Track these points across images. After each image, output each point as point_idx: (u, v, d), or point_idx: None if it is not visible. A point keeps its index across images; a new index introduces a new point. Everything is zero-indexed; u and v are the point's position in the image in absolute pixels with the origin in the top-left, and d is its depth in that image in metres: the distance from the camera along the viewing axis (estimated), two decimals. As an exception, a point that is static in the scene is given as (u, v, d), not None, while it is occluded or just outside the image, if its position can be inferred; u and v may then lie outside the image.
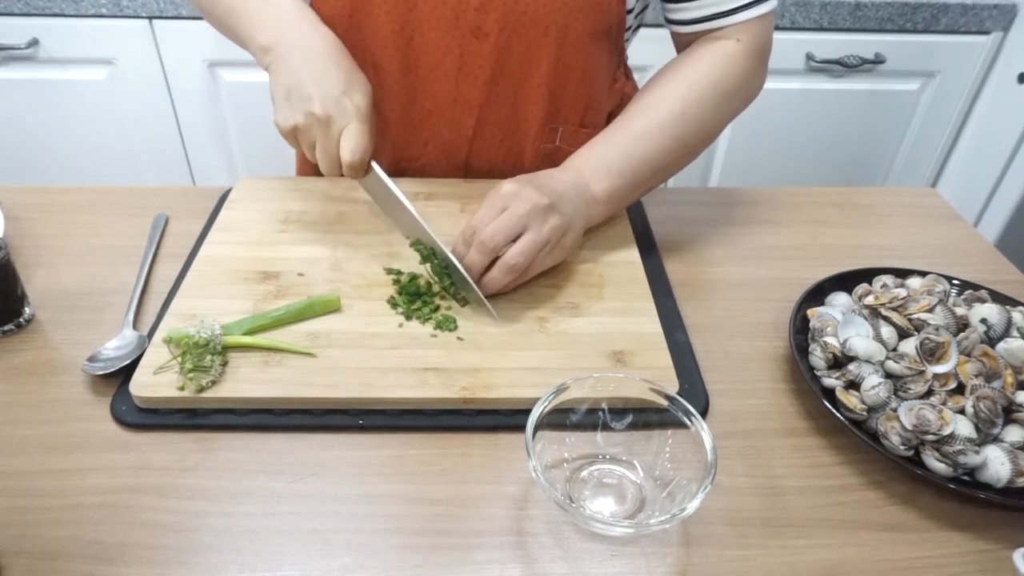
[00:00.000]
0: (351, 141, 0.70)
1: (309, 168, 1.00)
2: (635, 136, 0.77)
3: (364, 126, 0.71)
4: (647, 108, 0.79)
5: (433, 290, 0.71)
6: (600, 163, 0.76)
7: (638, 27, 0.91)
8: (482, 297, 0.68)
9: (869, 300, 0.66)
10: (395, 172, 0.89)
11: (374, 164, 0.72)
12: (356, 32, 0.81)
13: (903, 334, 0.64)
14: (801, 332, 0.68)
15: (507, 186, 0.70)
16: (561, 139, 0.90)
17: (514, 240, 0.68)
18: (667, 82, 0.80)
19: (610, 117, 0.94)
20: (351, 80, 0.72)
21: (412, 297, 0.69)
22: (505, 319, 0.69)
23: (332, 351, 0.64)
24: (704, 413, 0.63)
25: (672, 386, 0.62)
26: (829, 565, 0.52)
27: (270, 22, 0.75)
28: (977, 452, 0.55)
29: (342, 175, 0.72)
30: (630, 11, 0.85)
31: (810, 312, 0.69)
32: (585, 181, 0.76)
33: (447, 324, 0.67)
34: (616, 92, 0.95)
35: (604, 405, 0.58)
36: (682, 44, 0.86)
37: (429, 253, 0.71)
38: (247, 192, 0.86)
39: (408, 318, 0.68)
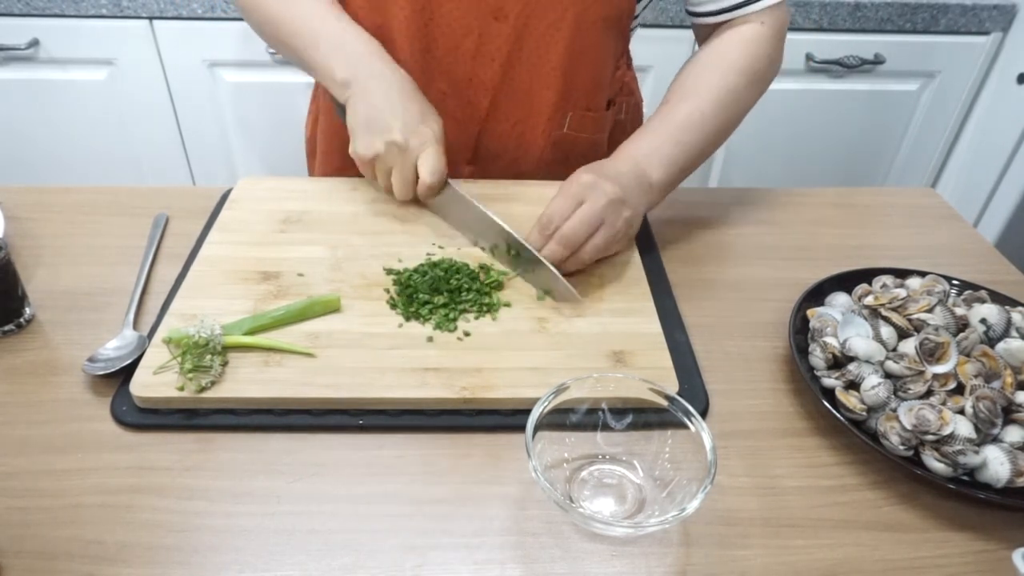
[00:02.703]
0: (429, 163, 0.75)
1: (320, 171, 1.01)
2: (682, 125, 0.80)
3: (440, 148, 0.76)
4: (687, 95, 0.82)
5: (437, 288, 0.71)
6: (654, 152, 0.79)
7: (639, 17, 0.92)
8: (568, 285, 0.69)
9: (869, 300, 0.66)
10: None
11: (451, 181, 0.78)
12: (378, 13, 0.82)
13: (903, 334, 0.64)
14: (801, 332, 0.68)
15: (585, 176, 0.72)
16: (569, 125, 0.91)
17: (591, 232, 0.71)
18: (703, 69, 0.83)
19: (609, 104, 0.96)
20: (425, 111, 0.77)
21: (410, 298, 0.69)
22: (505, 319, 0.69)
23: (332, 351, 0.64)
24: (704, 413, 0.63)
25: (672, 386, 0.62)
26: (829, 565, 0.52)
27: (347, 58, 0.78)
28: (977, 452, 0.55)
29: (413, 198, 0.79)
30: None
31: (810, 312, 0.69)
32: (643, 169, 0.77)
33: (446, 324, 0.67)
34: (618, 80, 0.96)
35: (604, 405, 0.58)
36: (705, 34, 0.88)
37: (514, 253, 0.74)
38: (247, 192, 0.86)
39: (407, 318, 0.68)
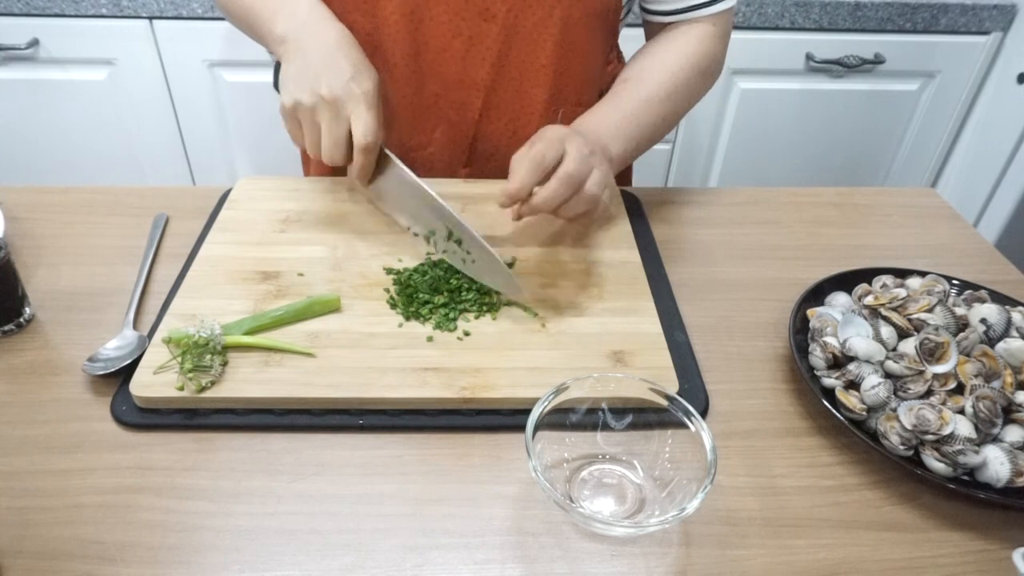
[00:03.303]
0: (361, 123, 0.71)
1: (315, 171, 1.00)
2: (639, 104, 0.82)
3: (372, 111, 0.72)
4: (643, 80, 0.84)
5: (437, 288, 0.71)
6: (613, 127, 0.80)
7: (628, 11, 0.93)
8: (510, 274, 0.68)
9: (869, 300, 0.66)
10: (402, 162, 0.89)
11: (387, 151, 0.74)
12: (369, 18, 0.82)
13: (903, 334, 0.64)
14: (801, 332, 0.68)
15: (557, 131, 0.72)
16: (561, 119, 0.91)
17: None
18: (659, 59, 0.86)
19: (600, 96, 0.95)
20: (359, 68, 0.73)
21: (410, 298, 0.69)
22: (505, 319, 0.69)
23: (332, 351, 0.64)
24: (704, 413, 0.63)
25: (672, 386, 0.62)
26: (829, 565, 0.52)
27: (286, 15, 0.77)
28: (977, 452, 0.55)
29: (346, 164, 0.73)
30: None
31: (810, 312, 0.69)
32: (604, 142, 0.78)
33: (446, 324, 0.67)
34: (609, 74, 0.97)
35: (604, 405, 0.58)
36: (656, 31, 0.90)
37: (456, 239, 0.71)
38: (247, 192, 0.86)
39: (407, 318, 0.68)
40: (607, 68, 0.96)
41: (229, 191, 0.87)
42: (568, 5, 0.82)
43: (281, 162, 1.65)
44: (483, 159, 0.92)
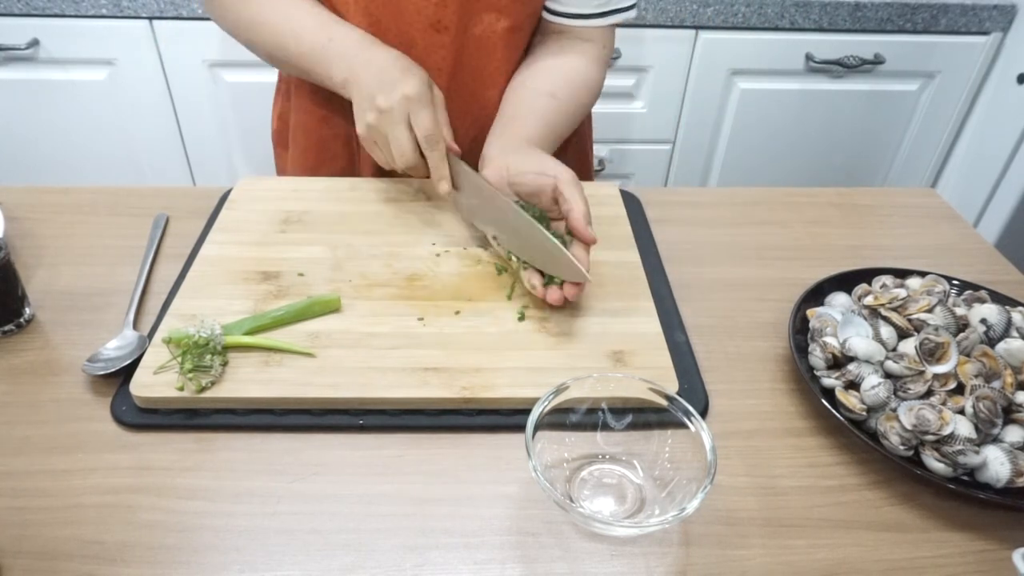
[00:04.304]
0: (418, 122, 0.74)
1: (302, 170, 1.01)
2: (552, 116, 0.85)
3: (427, 108, 0.74)
4: (548, 94, 0.86)
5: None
6: (544, 142, 0.83)
7: None
8: (576, 262, 0.67)
9: (869, 300, 0.66)
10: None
11: (462, 163, 0.77)
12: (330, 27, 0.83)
13: (903, 334, 0.64)
14: (801, 332, 0.68)
15: (570, 178, 0.72)
16: None
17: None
18: (554, 74, 0.88)
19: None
20: (407, 73, 0.75)
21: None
22: (505, 319, 0.69)
23: (332, 351, 0.64)
24: (704, 413, 0.63)
25: (672, 386, 0.62)
26: (829, 565, 0.52)
27: (338, 57, 0.79)
28: (977, 452, 0.55)
29: (419, 167, 0.77)
30: None
31: (810, 312, 0.69)
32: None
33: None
34: None
35: (604, 405, 0.58)
36: (547, 33, 0.91)
37: (523, 239, 0.71)
38: (247, 192, 0.86)
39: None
40: None
41: (229, 191, 0.87)
42: (512, 13, 0.85)
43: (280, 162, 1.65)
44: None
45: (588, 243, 0.69)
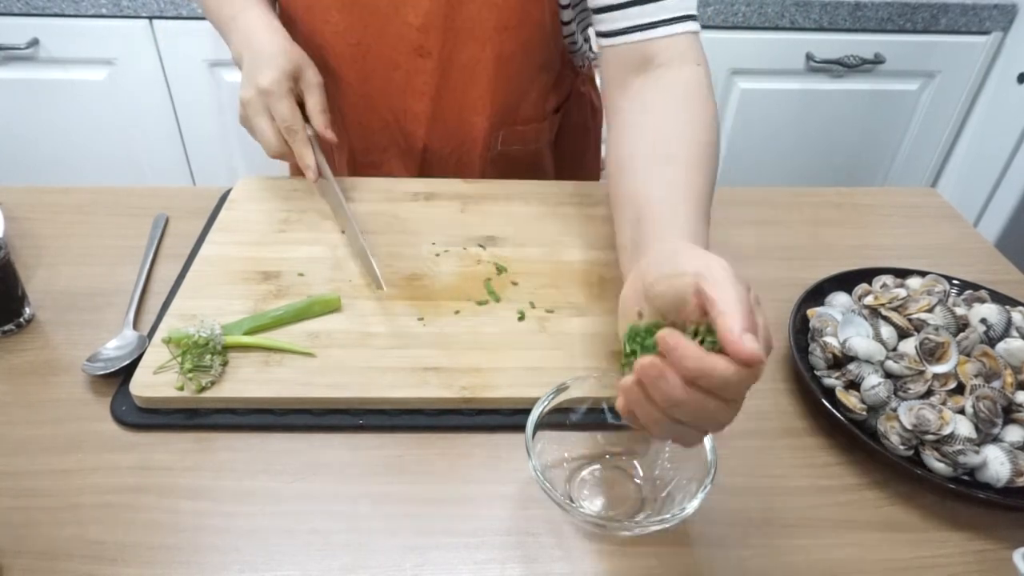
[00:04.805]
0: (276, 112, 0.77)
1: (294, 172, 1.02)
2: (680, 183, 0.62)
3: (283, 99, 0.77)
4: (665, 158, 0.64)
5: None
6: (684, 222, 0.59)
7: (587, 26, 0.92)
8: (377, 271, 0.72)
9: (869, 300, 0.66)
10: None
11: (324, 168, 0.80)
12: (316, 47, 0.85)
13: (903, 334, 0.64)
14: (801, 332, 0.68)
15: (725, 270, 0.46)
16: (502, 141, 0.93)
17: None
18: (659, 127, 0.67)
19: (557, 110, 0.97)
20: (267, 61, 0.77)
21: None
22: (505, 319, 0.69)
23: (332, 351, 0.64)
24: (704, 413, 0.63)
25: (672, 386, 0.62)
26: (829, 565, 0.52)
27: (238, 36, 0.81)
28: (977, 452, 0.55)
29: (288, 155, 0.80)
30: (567, 23, 0.86)
31: (810, 312, 0.69)
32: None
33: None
34: (564, 88, 0.97)
35: (604, 405, 0.58)
36: (615, 65, 0.72)
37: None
38: (247, 192, 0.86)
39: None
40: (562, 84, 0.95)
41: (229, 191, 0.87)
42: (499, 42, 0.82)
43: (281, 162, 1.65)
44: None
45: (744, 361, 0.41)
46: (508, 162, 0.95)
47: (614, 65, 0.72)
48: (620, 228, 0.63)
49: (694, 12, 0.71)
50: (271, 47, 0.78)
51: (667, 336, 0.43)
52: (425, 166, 0.93)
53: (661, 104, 0.68)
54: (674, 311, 0.48)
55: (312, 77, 0.79)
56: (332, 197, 0.81)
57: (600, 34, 0.74)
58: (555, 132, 0.99)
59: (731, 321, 0.42)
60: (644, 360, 0.43)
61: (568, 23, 0.87)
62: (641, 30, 0.70)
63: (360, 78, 0.87)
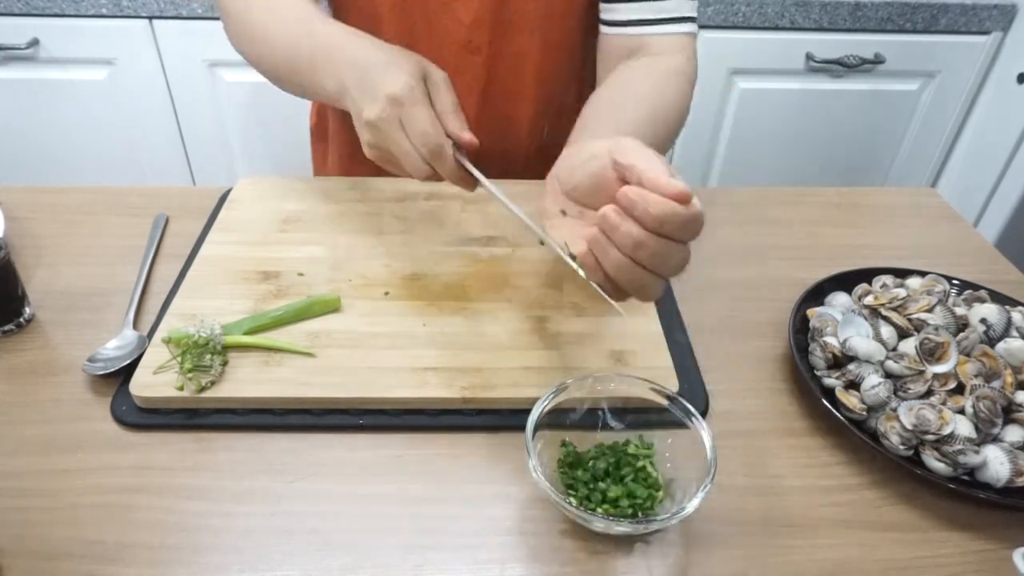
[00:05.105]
0: (412, 128, 0.60)
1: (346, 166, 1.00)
2: (640, 115, 0.70)
3: (418, 105, 0.60)
4: (633, 101, 0.72)
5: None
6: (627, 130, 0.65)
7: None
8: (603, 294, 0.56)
9: (869, 300, 0.66)
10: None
11: (477, 175, 0.63)
12: None
13: (903, 334, 0.64)
14: (801, 332, 0.68)
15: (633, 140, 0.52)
16: (547, 133, 0.93)
17: None
18: (635, 85, 0.74)
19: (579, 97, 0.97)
20: (388, 64, 0.62)
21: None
22: (505, 319, 0.69)
23: (332, 351, 0.64)
24: (704, 413, 0.63)
25: (672, 386, 0.62)
26: (829, 565, 0.52)
27: (323, 61, 0.67)
28: (977, 452, 0.55)
29: (443, 166, 0.62)
30: None
31: (810, 312, 0.69)
32: None
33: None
34: (592, 75, 0.97)
35: (604, 405, 0.58)
36: (611, 51, 0.81)
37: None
38: (247, 192, 0.86)
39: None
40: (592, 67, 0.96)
41: (229, 191, 0.87)
42: (546, 31, 0.83)
43: (281, 162, 1.65)
44: None
45: (680, 197, 0.46)
46: (551, 156, 0.93)
47: (609, 51, 0.82)
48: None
49: (694, 15, 0.79)
50: (383, 52, 0.63)
51: (628, 191, 0.46)
52: (470, 161, 0.91)
53: (641, 73, 0.76)
54: (595, 196, 0.51)
55: (437, 73, 0.63)
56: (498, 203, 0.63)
57: (602, 22, 0.82)
58: None
59: (656, 172, 0.46)
60: (606, 208, 0.46)
61: None
62: (641, 24, 0.78)
63: None
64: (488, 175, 0.67)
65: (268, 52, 0.74)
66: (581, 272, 0.53)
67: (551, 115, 0.92)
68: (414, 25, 0.82)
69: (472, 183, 0.63)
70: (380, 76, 0.61)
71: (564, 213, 0.55)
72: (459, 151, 0.62)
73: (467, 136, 0.62)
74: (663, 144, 0.71)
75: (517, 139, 0.91)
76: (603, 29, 0.83)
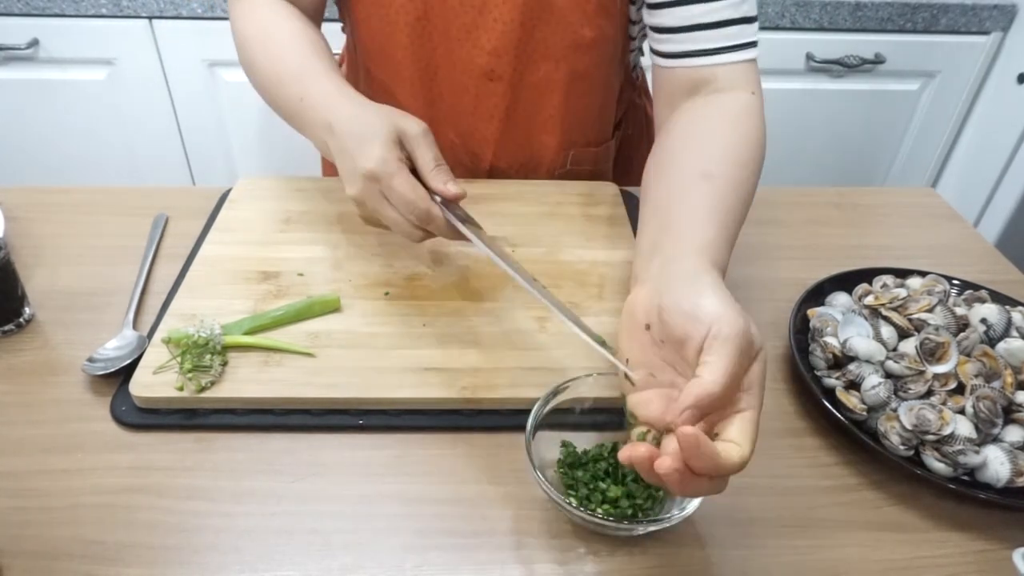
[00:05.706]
0: (394, 198, 0.60)
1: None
2: (716, 204, 0.61)
3: (396, 177, 0.60)
4: (702, 175, 0.63)
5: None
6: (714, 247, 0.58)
7: (644, 37, 0.91)
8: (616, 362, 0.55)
9: (869, 300, 0.66)
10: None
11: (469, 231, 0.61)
12: (385, 70, 0.83)
13: (903, 334, 0.64)
14: (801, 332, 0.68)
15: (740, 331, 0.47)
16: (571, 162, 0.92)
17: None
18: (704, 143, 0.66)
19: (616, 127, 0.97)
20: (362, 137, 0.61)
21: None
22: (505, 319, 0.69)
23: (332, 351, 0.64)
24: (704, 413, 0.63)
25: (672, 386, 0.62)
26: (829, 565, 0.52)
27: (314, 119, 0.67)
28: (977, 452, 0.55)
29: (432, 234, 0.63)
30: (632, 38, 0.86)
31: (810, 312, 0.69)
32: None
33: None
34: (624, 103, 0.97)
35: (604, 405, 0.58)
36: (671, 88, 0.73)
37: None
38: (247, 192, 0.86)
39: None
40: (621, 97, 0.95)
41: (229, 191, 0.87)
42: (573, 60, 0.81)
43: (281, 162, 1.65)
44: None
45: (673, 427, 0.44)
46: (574, 179, 0.92)
47: (668, 85, 0.73)
48: (643, 230, 0.63)
49: (755, 39, 0.71)
50: (360, 120, 0.63)
51: (687, 433, 0.43)
52: (484, 173, 0.92)
53: (709, 121, 0.68)
54: (677, 345, 0.50)
55: (414, 128, 0.62)
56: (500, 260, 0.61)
57: (657, 53, 0.74)
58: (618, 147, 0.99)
59: (697, 390, 0.45)
60: (663, 462, 0.44)
61: (634, 39, 0.87)
62: (702, 55, 0.70)
63: (427, 101, 0.85)
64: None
65: (270, 100, 0.76)
66: (629, 390, 0.53)
67: (579, 144, 0.91)
68: (434, 50, 0.81)
69: (467, 237, 0.62)
70: (355, 150, 0.61)
71: (648, 327, 0.52)
72: (448, 206, 0.62)
73: (453, 190, 0.61)
74: (740, 221, 0.64)
75: (539, 165, 0.91)
76: (658, 61, 0.74)
